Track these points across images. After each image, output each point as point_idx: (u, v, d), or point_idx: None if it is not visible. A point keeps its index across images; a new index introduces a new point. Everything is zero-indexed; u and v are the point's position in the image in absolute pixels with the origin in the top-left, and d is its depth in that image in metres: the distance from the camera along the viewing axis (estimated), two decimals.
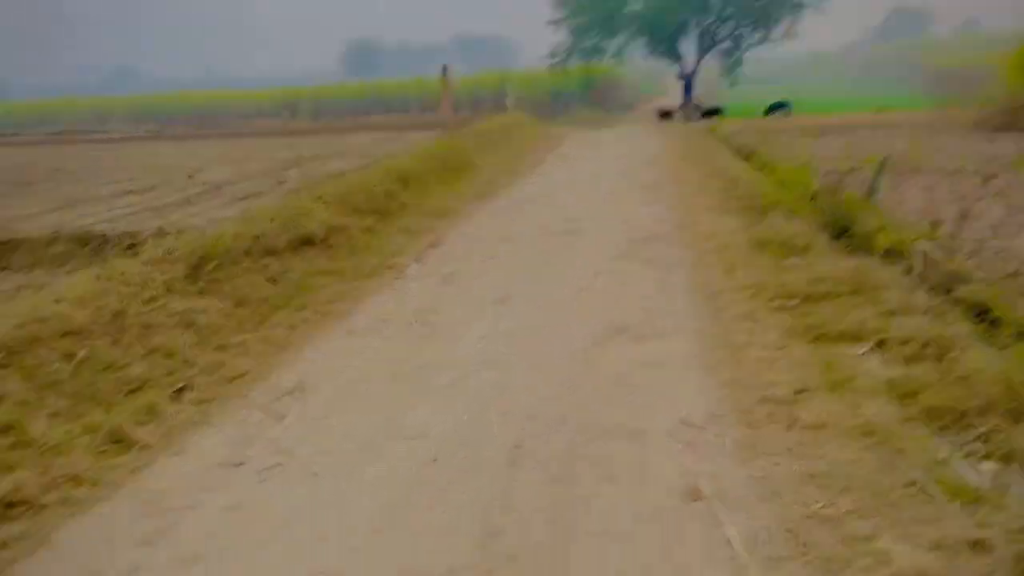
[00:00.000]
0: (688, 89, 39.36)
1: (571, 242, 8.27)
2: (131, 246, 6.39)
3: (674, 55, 39.31)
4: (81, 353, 4.22)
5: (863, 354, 4.61)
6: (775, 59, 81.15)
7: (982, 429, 3.60)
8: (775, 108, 26.29)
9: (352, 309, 6.11)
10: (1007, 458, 3.39)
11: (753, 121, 22.24)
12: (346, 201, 8.62)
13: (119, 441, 3.73)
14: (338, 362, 5.08)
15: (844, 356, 4.57)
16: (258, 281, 6.18)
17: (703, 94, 44.55)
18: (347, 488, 3.50)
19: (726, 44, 39.08)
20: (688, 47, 39.75)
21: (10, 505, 3.09)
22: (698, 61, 39.85)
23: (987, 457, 3.44)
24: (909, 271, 6.63)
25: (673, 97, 37.42)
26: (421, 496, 3.42)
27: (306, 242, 7.18)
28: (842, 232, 8.68)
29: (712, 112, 27.20)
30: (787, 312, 5.30)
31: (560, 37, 38.25)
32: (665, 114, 28.22)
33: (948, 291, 5.90)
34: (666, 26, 36.02)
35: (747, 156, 14.96)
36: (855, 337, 4.78)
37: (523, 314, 5.85)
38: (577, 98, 38.18)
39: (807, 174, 11.13)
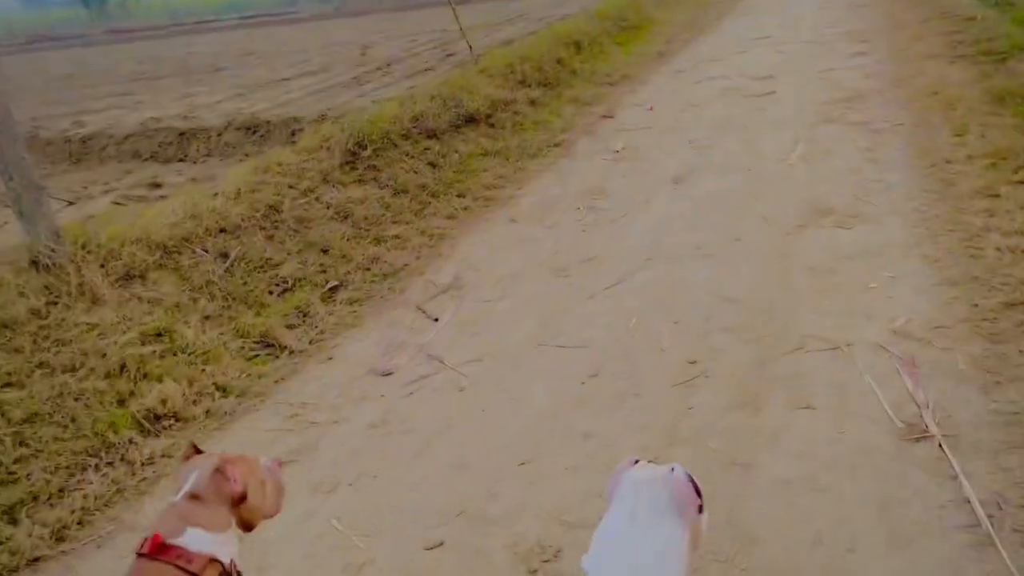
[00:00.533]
0: None
1: (763, 105, 7.23)
2: (294, 132, 6.27)
3: None
4: (234, 252, 4.13)
5: None
6: None
7: None
8: None
9: (515, 194, 5.68)
10: None
11: None
12: (512, 72, 8.04)
13: (269, 346, 3.62)
14: (498, 254, 4.71)
15: None
16: (417, 166, 5.88)
17: None
18: (495, 407, 3.18)
19: None
20: None
21: (157, 418, 3.05)
22: None
23: None
24: None
25: None
26: (577, 419, 3.03)
27: (469, 120, 6.76)
28: None
29: None
30: None
31: None
32: None
33: None
34: None
35: None
36: None
37: (704, 197, 5.14)
38: None
39: None
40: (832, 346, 3.25)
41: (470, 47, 9.33)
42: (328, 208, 4.90)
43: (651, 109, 7.70)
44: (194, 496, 1.51)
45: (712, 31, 12.46)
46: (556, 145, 6.74)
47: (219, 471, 1.53)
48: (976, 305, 3.35)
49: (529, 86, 8.00)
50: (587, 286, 4.11)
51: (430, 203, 5.48)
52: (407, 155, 5.92)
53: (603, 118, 7.53)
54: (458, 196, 5.64)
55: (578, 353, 3.47)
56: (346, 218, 4.91)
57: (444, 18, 17.45)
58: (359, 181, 5.40)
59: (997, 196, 4.14)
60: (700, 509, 1.56)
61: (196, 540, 1.44)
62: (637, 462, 1.63)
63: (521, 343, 3.64)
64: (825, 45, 9.72)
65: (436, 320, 3.94)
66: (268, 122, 6.94)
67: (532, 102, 7.70)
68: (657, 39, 11.70)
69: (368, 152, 5.65)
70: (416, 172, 5.77)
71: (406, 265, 4.63)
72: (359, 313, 4.05)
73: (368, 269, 4.51)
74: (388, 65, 11.11)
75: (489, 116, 6.98)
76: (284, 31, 22.84)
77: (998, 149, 4.74)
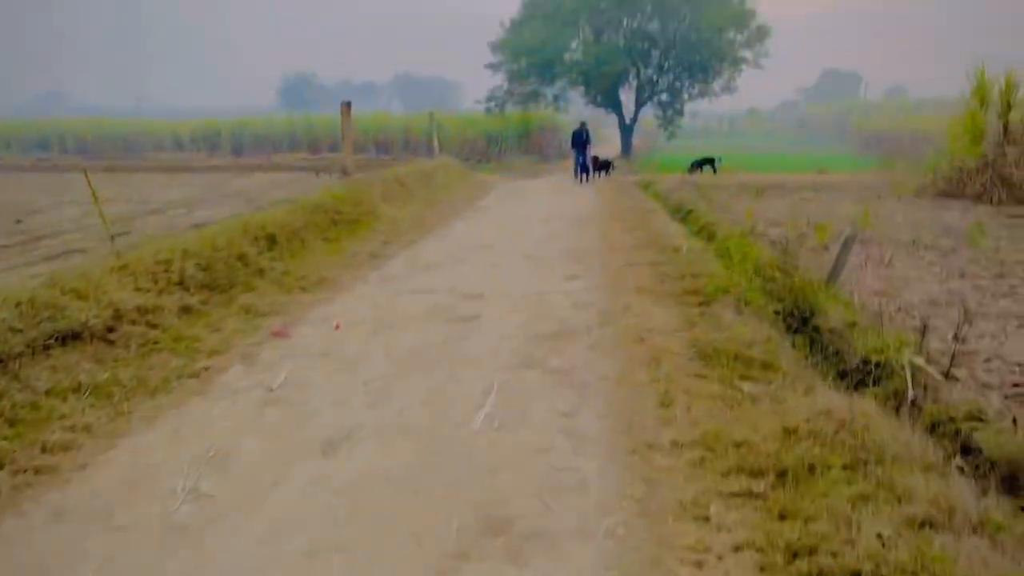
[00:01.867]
0: (628, 139, 38.42)
1: (466, 333, 6.26)
2: None
3: (614, 104, 38.35)
4: None
5: None
6: (712, 113, 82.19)
7: None
8: (701, 164, 24.31)
9: (89, 461, 3.93)
10: None
11: (690, 176, 20.89)
12: (167, 271, 6.47)
13: None
14: None
15: None
16: None
17: (641, 146, 43.78)
18: None
19: (665, 96, 38.36)
20: (628, 97, 38.93)
21: None
22: (637, 112, 39.00)
23: None
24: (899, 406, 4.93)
25: (614, 147, 36.21)
26: None
27: (72, 337, 5.00)
28: (803, 324, 7.00)
29: (704, 162, 24.40)
30: (754, 505, 3.35)
31: (498, 81, 36.97)
32: (603, 165, 24.42)
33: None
34: (605, 75, 34.95)
35: (684, 216, 13.40)
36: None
37: (352, 483, 3.74)
38: (514, 143, 36.69)
39: (753, 246, 9.50)
40: None
41: (109, 231, 7.26)
42: None
43: (338, 328, 6.45)
44: None
45: (438, 232, 11.90)
46: (194, 375, 5.14)
47: None
48: None
49: (187, 289, 6.45)
50: None
51: None
52: None
53: (274, 336, 6.12)
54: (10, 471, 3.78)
55: None
56: None
57: (154, 184, 15.59)
58: None
59: (707, 520, 3.19)
60: None
61: None
62: None
63: None
64: (543, 262, 9.32)
65: None
66: None
67: (185, 311, 6.13)
68: (375, 238, 10.82)
69: None
70: None
71: None
72: None
73: None
74: (38, 240, 9.01)
75: (110, 331, 5.28)
76: None
77: (705, 434, 3.95)
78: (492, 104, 36.94)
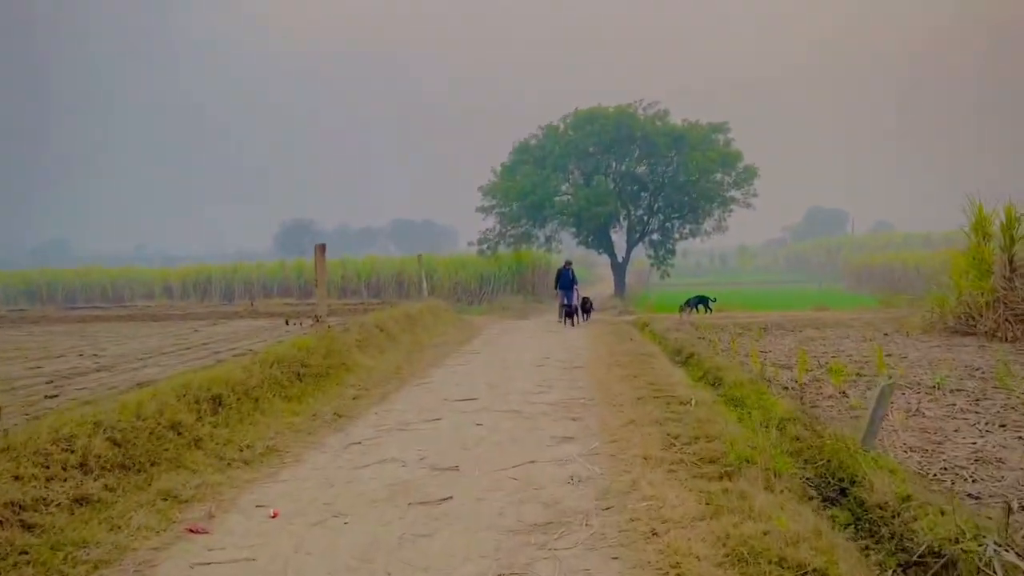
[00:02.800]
0: (621, 278, 38.04)
1: (430, 524, 4.99)
2: None
3: (605, 245, 38.25)
4: None
5: None
6: (703, 251, 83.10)
7: None
8: (695, 303, 22.92)
9: None
10: None
11: (689, 315, 20.02)
12: (69, 449, 5.26)
13: None
14: None
15: None
16: None
17: (633, 284, 43.47)
18: None
19: (656, 236, 38.34)
20: (620, 237, 38.92)
21: None
22: (629, 251, 38.85)
23: None
24: None
25: (607, 286, 35.69)
26: None
27: None
28: (839, 495, 5.79)
29: (698, 302, 22.81)
30: None
31: (489, 224, 37.01)
32: (584, 305, 21.97)
33: None
34: (596, 217, 34.98)
35: (685, 360, 12.34)
36: None
37: None
38: (506, 283, 36.27)
39: (770, 397, 8.36)
40: None
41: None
42: None
43: (275, 516, 5.18)
44: None
45: (414, 385, 10.74)
46: None
47: None
48: None
49: (91, 472, 5.22)
50: None
51: None
52: None
53: (189, 533, 4.84)
54: None
55: None
56: None
57: (120, 335, 14.53)
58: None
59: None
60: None
61: None
62: None
63: None
64: (532, 420, 8.13)
65: None
66: None
67: (81, 502, 4.88)
68: (344, 393, 9.65)
69: None
70: None
71: None
72: None
73: None
74: None
75: None
76: None
77: None
78: (484, 246, 36.82)
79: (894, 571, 4.62)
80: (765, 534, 4.22)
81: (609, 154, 36.74)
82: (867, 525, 5.28)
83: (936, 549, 4.55)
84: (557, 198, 36.21)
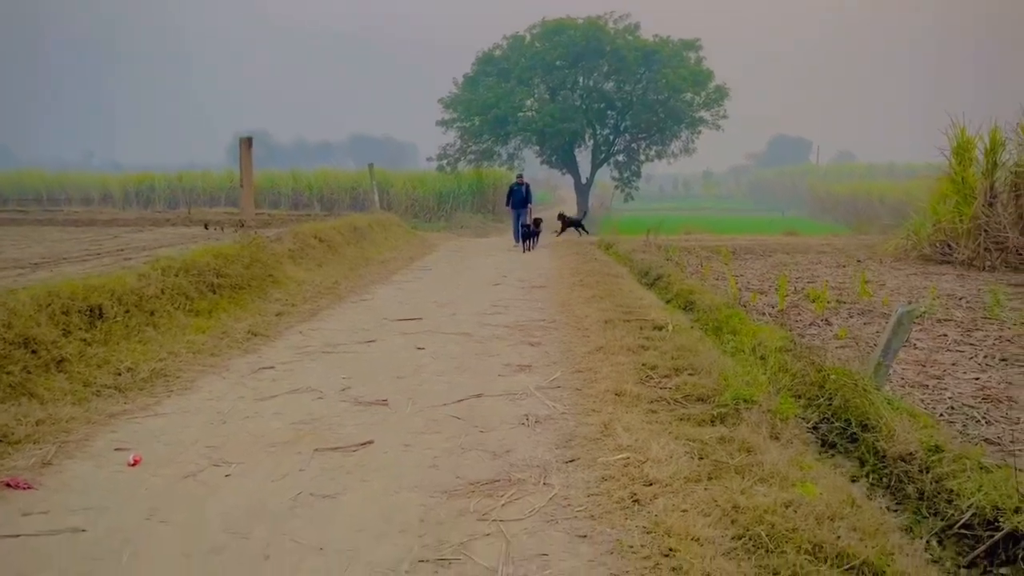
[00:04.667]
0: (584, 200, 36.72)
1: (338, 485, 3.78)
2: None
3: (569, 165, 36.71)
4: None
5: None
6: (667, 176, 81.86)
7: None
8: (572, 223, 21.73)
9: None
10: None
11: (647, 237, 18.78)
12: None
13: None
14: None
15: None
16: None
17: (596, 207, 42.19)
18: None
19: (622, 157, 36.89)
20: (584, 158, 37.39)
21: None
22: (593, 173, 37.41)
23: None
24: None
25: (570, 208, 34.32)
26: None
27: None
28: (849, 441, 4.74)
29: (572, 223, 21.75)
30: None
31: (450, 139, 35.10)
32: (573, 223, 21.58)
33: None
34: (560, 135, 33.27)
35: (653, 282, 11.23)
36: None
37: None
38: (466, 202, 34.71)
39: (760, 325, 7.27)
40: None
41: None
42: None
43: (135, 463, 3.91)
44: None
45: (352, 302, 9.43)
46: None
47: None
48: None
49: None
50: None
51: None
52: None
53: (6, 488, 3.54)
54: None
55: None
56: None
57: (36, 237, 12.88)
58: None
59: None
60: None
61: None
62: None
63: None
64: (484, 345, 6.93)
65: None
66: None
67: None
68: (266, 309, 8.29)
69: None
70: None
71: None
72: None
73: None
74: None
75: None
76: None
77: None
78: (444, 162, 35.00)
79: (932, 538, 3.59)
80: (787, 507, 3.08)
81: (576, 68, 34.76)
82: (885, 480, 4.22)
83: (990, 518, 3.49)
84: (521, 113, 34.28)
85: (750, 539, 2.88)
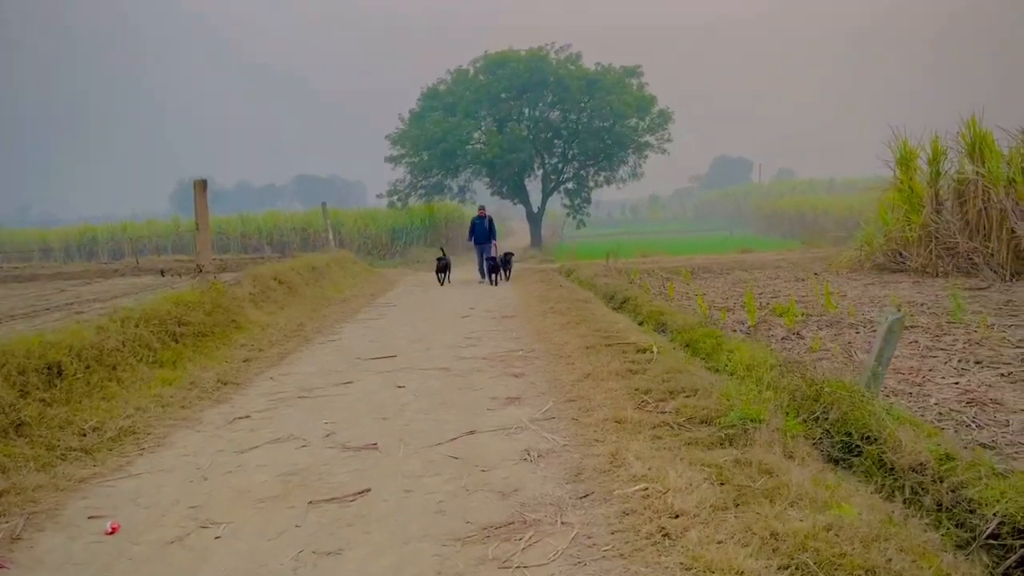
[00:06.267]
0: (537, 229, 36.77)
1: (340, 542, 3.52)
2: None
3: (520, 195, 36.78)
4: None
5: None
6: (614, 202, 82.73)
7: None
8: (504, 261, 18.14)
9: None
10: None
11: (607, 261, 18.75)
12: None
13: None
14: None
15: None
16: None
17: (548, 236, 42.27)
18: None
19: (571, 184, 37.12)
20: (535, 187, 37.52)
21: None
22: (544, 201, 37.54)
23: None
24: None
25: (523, 238, 34.30)
26: None
27: None
28: (848, 453, 4.63)
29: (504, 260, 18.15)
30: None
31: (399, 175, 34.88)
32: (504, 260, 18.01)
33: None
34: (510, 164, 33.34)
35: (621, 305, 11.17)
36: None
37: None
38: (419, 237, 34.44)
39: (753, 346, 7.19)
40: None
41: None
42: None
43: (112, 531, 3.59)
44: None
45: (320, 343, 9.10)
46: None
47: None
48: None
49: None
50: None
51: None
52: None
53: None
54: None
55: None
56: None
57: None
58: None
59: None
60: None
61: None
62: None
63: None
64: (466, 379, 6.69)
65: None
66: None
67: None
68: (232, 356, 7.93)
69: None
70: None
71: None
72: None
73: None
74: None
75: None
76: None
77: None
78: (395, 198, 34.71)
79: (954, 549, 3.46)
80: (827, 530, 2.93)
81: (521, 99, 34.99)
82: (899, 493, 4.11)
83: (1021, 527, 3.40)
84: (469, 146, 34.28)
85: (797, 568, 2.72)
